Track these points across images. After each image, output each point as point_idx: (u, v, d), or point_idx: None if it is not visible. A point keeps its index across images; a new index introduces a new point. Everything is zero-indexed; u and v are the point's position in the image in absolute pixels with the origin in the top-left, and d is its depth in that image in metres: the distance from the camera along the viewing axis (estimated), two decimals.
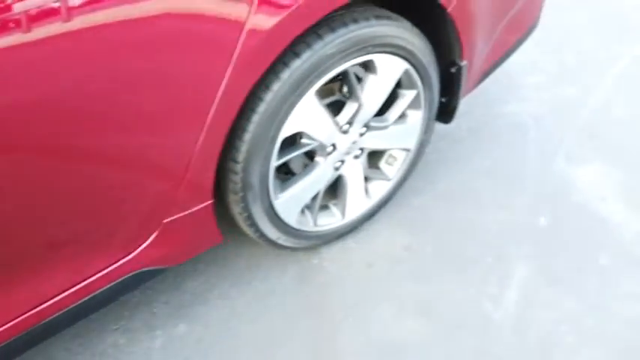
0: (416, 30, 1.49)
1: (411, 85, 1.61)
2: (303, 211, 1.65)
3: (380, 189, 1.81)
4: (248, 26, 1.08)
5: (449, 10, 1.47)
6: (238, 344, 1.56)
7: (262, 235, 1.55)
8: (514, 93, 2.48)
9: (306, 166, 1.61)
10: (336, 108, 1.53)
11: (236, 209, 1.44)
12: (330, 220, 1.73)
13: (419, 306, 1.65)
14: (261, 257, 1.78)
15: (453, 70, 1.70)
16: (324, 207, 1.75)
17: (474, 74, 1.84)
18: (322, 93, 1.52)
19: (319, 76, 1.33)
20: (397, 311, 1.64)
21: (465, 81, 1.74)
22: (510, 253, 1.79)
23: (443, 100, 1.81)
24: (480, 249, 1.80)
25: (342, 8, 1.34)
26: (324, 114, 1.43)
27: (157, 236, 1.28)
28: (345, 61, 1.36)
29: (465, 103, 2.44)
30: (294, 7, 1.13)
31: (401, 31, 1.43)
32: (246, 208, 1.44)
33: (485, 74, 1.97)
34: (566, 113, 2.35)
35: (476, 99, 2.45)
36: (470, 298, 1.67)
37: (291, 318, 1.62)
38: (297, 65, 1.28)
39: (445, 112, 1.84)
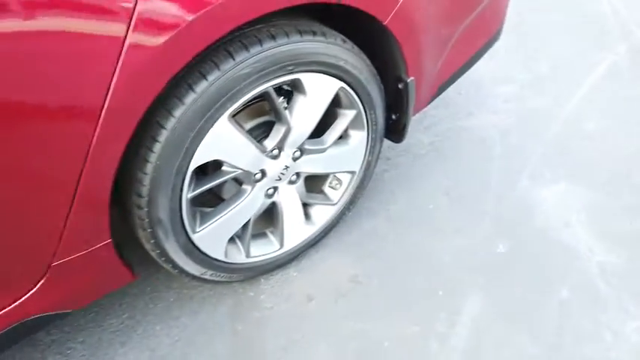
0: (349, 45, 1.34)
1: (350, 105, 1.46)
2: (234, 241, 1.51)
3: (324, 214, 1.67)
4: (128, 46, 0.94)
5: (385, 23, 1.33)
6: None
7: (183, 272, 1.41)
8: (482, 104, 2.34)
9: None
10: (269, 128, 1.39)
11: (147, 246, 1.30)
12: (268, 249, 1.59)
13: (360, 348, 1.51)
14: (193, 289, 1.64)
15: (400, 86, 1.56)
16: (261, 235, 1.60)
17: (427, 89, 1.69)
18: (250, 114, 1.38)
19: (232, 100, 1.18)
20: (335, 354, 1.49)
21: (414, 97, 1.60)
22: (463, 284, 1.65)
23: (393, 117, 1.67)
24: (431, 280, 1.66)
25: (258, 22, 1.19)
26: (244, 139, 1.28)
27: (46, 281, 1.13)
28: (264, 82, 1.21)
29: (430, 116, 2.31)
30: (183, 26, 0.98)
31: (329, 47, 1.28)
32: (158, 245, 1.29)
33: (442, 88, 1.82)
34: (535, 127, 2.21)
35: (440, 111, 2.31)
36: (416, 337, 1.52)
37: None
38: (204, 88, 1.13)
39: (396, 130, 1.70)
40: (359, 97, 1.44)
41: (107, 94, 0.96)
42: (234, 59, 1.14)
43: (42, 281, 1.13)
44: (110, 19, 0.91)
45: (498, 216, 1.85)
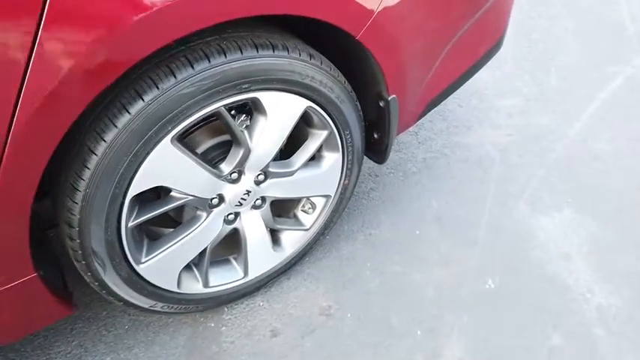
0: (316, 61, 1.19)
1: (322, 125, 1.31)
2: (190, 269, 1.38)
3: (296, 240, 1.53)
4: (35, 64, 0.81)
5: (358, 37, 1.17)
6: None
7: (129, 304, 1.28)
8: (483, 118, 2.16)
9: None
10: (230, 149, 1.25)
11: (85, 277, 1.18)
12: (230, 277, 1.45)
13: None
14: (151, 315, 1.52)
15: (382, 104, 1.40)
16: (223, 261, 1.47)
17: (413, 106, 1.54)
18: (206, 133, 1.25)
19: (174, 121, 1.04)
20: None
21: (397, 116, 1.44)
22: (445, 323, 1.49)
23: (375, 136, 1.52)
24: (410, 317, 1.51)
25: (210, 33, 1.05)
26: (193, 164, 1.14)
27: None
28: (213, 102, 1.07)
29: (425, 129, 2.15)
30: (103, 38, 0.84)
31: (293, 63, 1.14)
32: (95, 277, 1.17)
33: (433, 103, 1.66)
34: (538, 146, 2.03)
35: (437, 124, 2.15)
36: None
37: None
38: (140, 109, 0.99)
39: (378, 150, 1.55)
40: (330, 116, 1.30)
41: (11, 119, 0.83)
42: (175, 77, 1.00)
43: None
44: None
45: (490, 246, 1.69)
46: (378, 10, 1.16)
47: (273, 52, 1.10)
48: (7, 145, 0.85)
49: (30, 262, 1.03)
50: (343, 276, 1.62)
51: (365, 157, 1.57)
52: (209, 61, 1.03)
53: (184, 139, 1.20)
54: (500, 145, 2.04)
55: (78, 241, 1.08)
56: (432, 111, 1.72)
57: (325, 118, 1.29)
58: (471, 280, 1.60)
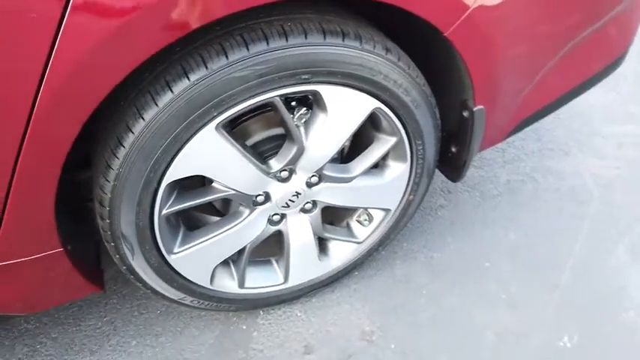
0: (393, 56, 1.02)
1: (390, 130, 1.15)
2: (227, 265, 1.28)
3: (345, 252, 1.38)
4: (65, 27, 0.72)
5: (446, 34, 0.99)
6: None
7: (158, 294, 1.21)
8: (584, 144, 1.87)
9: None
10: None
11: (115, 260, 1.11)
12: (268, 281, 1.34)
13: None
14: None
15: (465, 114, 1.21)
16: (264, 262, 1.36)
17: (503, 121, 1.32)
18: (261, 123, 1.13)
19: (221, 107, 0.93)
20: None
21: (481, 130, 1.24)
22: None
23: (453, 150, 1.33)
24: None
25: (275, 11, 0.93)
26: (239, 156, 1.03)
27: None
28: (268, 91, 0.95)
29: (514, 147, 1.90)
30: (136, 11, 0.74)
31: (364, 56, 0.98)
32: (124, 261, 1.10)
33: (529, 121, 1.43)
34: None
35: (529, 143, 1.89)
36: None
37: None
38: (184, 88, 0.89)
39: (454, 166, 1.35)
40: (402, 121, 1.13)
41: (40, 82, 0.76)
42: (227, 57, 0.89)
43: None
44: None
45: (572, 295, 1.44)
46: (475, 5, 0.97)
47: (343, 40, 0.95)
48: (34, 111, 0.78)
49: (56, 236, 0.97)
50: (393, 299, 1.45)
51: (437, 171, 1.39)
52: (267, 43, 0.90)
53: (234, 128, 1.09)
54: (603, 179, 1.75)
55: (108, 221, 1.01)
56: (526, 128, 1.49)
57: (395, 124, 1.12)
58: (542, 332, 1.36)
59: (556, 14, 1.15)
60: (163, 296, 1.22)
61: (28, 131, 0.79)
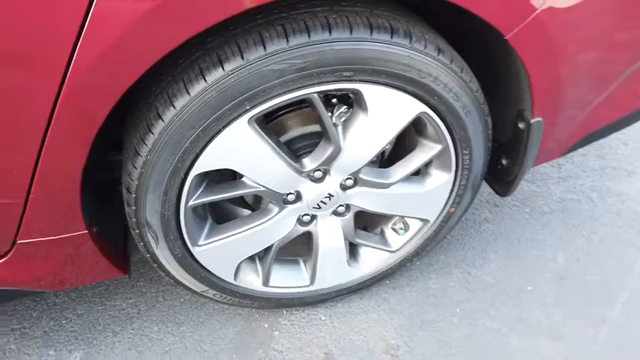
0: (445, 57, 0.94)
1: (435, 137, 1.07)
2: (253, 261, 1.24)
3: (376, 260, 1.31)
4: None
5: (508, 37, 0.90)
6: None
7: (179, 284, 1.18)
8: None
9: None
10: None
11: (139, 247, 1.09)
12: (294, 281, 1.29)
13: None
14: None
15: (521, 126, 1.11)
16: (291, 261, 1.31)
17: (563, 136, 1.21)
18: (299, 119, 1.07)
19: (255, 100, 0.88)
20: None
21: (537, 145, 1.14)
22: None
23: (504, 162, 1.23)
24: None
25: (319, 2, 0.86)
26: (271, 152, 0.98)
27: (12, 256, 0.99)
28: (306, 86, 0.89)
29: (572, 163, 1.76)
30: None
31: (413, 56, 0.90)
32: (147, 249, 1.08)
33: (591, 138, 1.30)
34: None
35: (590, 160, 1.75)
36: None
37: None
38: (218, 77, 0.85)
39: (503, 179, 1.25)
40: (449, 129, 1.04)
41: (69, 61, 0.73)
42: (265, 48, 0.84)
43: (8, 255, 1.00)
44: None
45: (621, 332, 1.30)
46: (544, 6, 0.87)
47: (391, 37, 0.88)
48: (63, 89, 0.76)
49: (81, 219, 0.96)
50: (424, 314, 1.37)
51: (485, 183, 1.30)
52: (309, 35, 0.84)
53: (269, 122, 1.04)
54: None
55: (133, 208, 0.99)
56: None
57: (441, 130, 1.04)
58: None
59: (635, 21, 1.02)
60: (186, 287, 1.19)
61: (56, 110, 0.77)
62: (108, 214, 1.12)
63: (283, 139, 1.07)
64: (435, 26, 0.99)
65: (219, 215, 1.21)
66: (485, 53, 1.03)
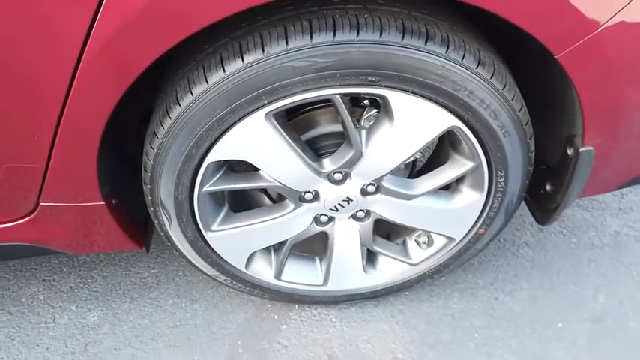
0: (485, 71, 0.85)
1: (468, 153, 0.99)
2: (267, 251, 1.23)
3: (395, 271, 1.26)
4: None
5: (558, 57, 0.80)
6: None
7: (194, 266, 1.19)
8: None
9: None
10: None
11: (154, 224, 1.11)
12: (308, 278, 1.26)
13: None
14: None
15: (569, 152, 1.00)
16: (308, 257, 1.28)
17: (616, 169, 1.08)
18: (326, 117, 1.03)
19: (272, 95, 0.84)
20: None
21: (586, 175, 1.02)
22: None
23: (547, 188, 1.12)
24: None
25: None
26: (289, 150, 0.94)
27: (36, 216, 1.04)
28: (327, 87, 0.84)
29: (636, 194, 1.59)
30: None
31: (446, 66, 0.82)
32: (162, 228, 1.09)
33: None
34: None
35: None
36: None
37: None
38: (237, 69, 0.82)
39: (544, 206, 1.15)
40: (483, 147, 0.96)
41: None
42: (287, 43, 0.80)
43: (33, 215, 1.04)
44: None
45: None
46: (607, 24, 0.76)
47: (425, 44, 0.81)
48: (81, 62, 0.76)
49: (97, 190, 0.98)
50: (438, 334, 1.30)
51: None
52: (334, 34, 0.79)
53: (293, 118, 1.01)
54: None
55: (149, 186, 1.00)
56: None
57: (475, 148, 0.96)
58: None
59: None
60: (198, 269, 1.20)
61: (73, 85, 0.79)
62: (129, 187, 1.14)
63: (308, 136, 1.03)
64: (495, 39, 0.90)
65: (241, 200, 1.20)
66: (541, 69, 0.93)
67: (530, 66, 0.94)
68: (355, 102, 0.98)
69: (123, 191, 1.10)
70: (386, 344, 1.29)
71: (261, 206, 1.18)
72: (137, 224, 1.18)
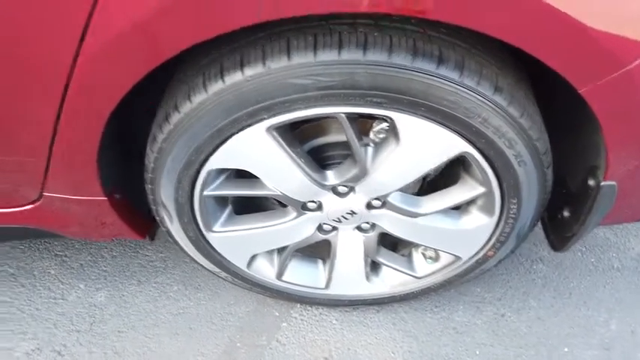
0: (503, 98, 0.79)
1: (480, 178, 0.93)
2: (272, 251, 1.21)
3: (398, 281, 1.23)
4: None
5: (582, 91, 0.73)
6: (137, 345, 1.31)
7: (197, 263, 1.19)
8: None
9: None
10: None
11: (157, 219, 1.10)
12: (310, 280, 1.25)
13: None
14: None
15: (591, 183, 0.94)
16: (311, 259, 1.27)
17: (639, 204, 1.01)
18: (326, 127, 0.99)
19: (272, 111, 0.81)
20: None
21: (608, 208, 0.96)
22: None
23: (565, 214, 1.06)
24: None
25: (363, 17, 0.75)
26: (291, 164, 0.91)
27: (41, 204, 1.05)
28: (330, 105, 0.80)
29: None
30: None
31: (458, 92, 0.77)
32: (164, 225, 1.08)
33: None
34: None
35: None
36: None
37: None
38: (237, 81, 0.78)
39: (560, 232, 1.09)
40: (496, 174, 0.90)
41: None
42: (289, 58, 0.76)
43: (37, 203, 1.05)
44: None
45: None
46: (636, 62, 0.68)
47: (437, 68, 0.75)
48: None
49: (98, 186, 0.98)
50: (439, 347, 1.28)
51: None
52: (339, 53, 0.75)
53: (299, 126, 0.97)
54: None
55: (150, 186, 0.99)
56: None
57: (487, 175, 0.91)
58: None
59: None
60: (200, 265, 1.21)
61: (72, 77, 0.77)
62: (134, 178, 1.14)
63: (315, 143, 1.00)
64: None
65: (246, 201, 1.19)
66: (557, 97, 0.86)
67: (556, 93, 0.87)
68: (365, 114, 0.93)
69: (129, 182, 1.10)
70: (384, 352, 1.28)
71: (266, 209, 1.16)
72: (141, 216, 1.18)
